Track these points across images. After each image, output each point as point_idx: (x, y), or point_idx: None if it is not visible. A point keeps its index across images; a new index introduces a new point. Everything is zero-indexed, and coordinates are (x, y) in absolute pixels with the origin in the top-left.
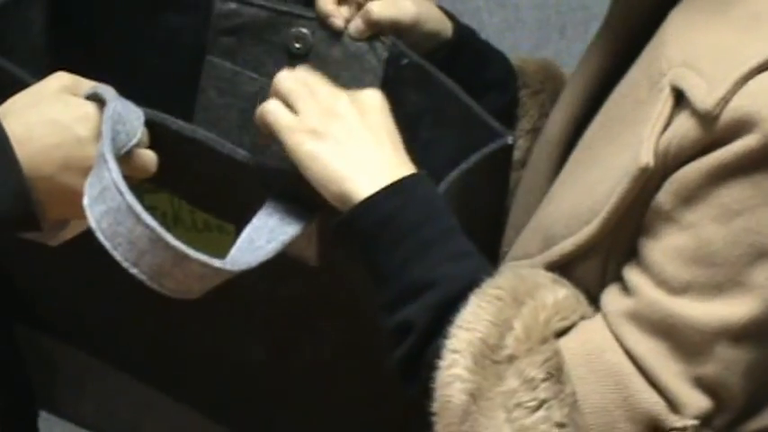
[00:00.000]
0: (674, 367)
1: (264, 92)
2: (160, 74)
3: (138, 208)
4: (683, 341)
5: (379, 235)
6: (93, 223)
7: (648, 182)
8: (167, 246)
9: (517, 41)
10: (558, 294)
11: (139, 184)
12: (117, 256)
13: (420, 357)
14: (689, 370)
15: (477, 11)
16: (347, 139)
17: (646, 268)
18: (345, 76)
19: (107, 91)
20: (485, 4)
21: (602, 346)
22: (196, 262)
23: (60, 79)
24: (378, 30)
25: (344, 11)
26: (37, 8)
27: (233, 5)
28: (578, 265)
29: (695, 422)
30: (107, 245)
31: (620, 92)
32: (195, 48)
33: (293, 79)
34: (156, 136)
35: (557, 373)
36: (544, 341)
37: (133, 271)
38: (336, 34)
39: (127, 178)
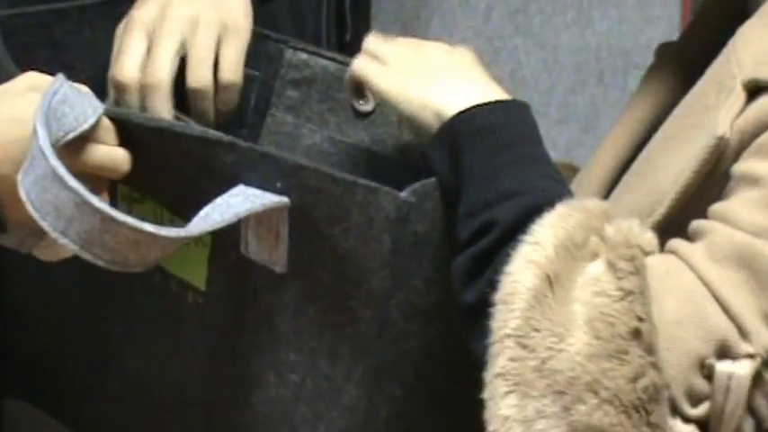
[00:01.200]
0: (746, 298)
1: (323, 146)
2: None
3: (62, 171)
4: (756, 272)
5: (478, 141)
6: (23, 195)
7: (722, 159)
8: (93, 209)
9: (554, 83)
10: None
11: (128, 194)
12: (45, 226)
13: (496, 254)
14: (759, 303)
15: (514, 50)
16: (438, 68)
17: (714, 217)
18: (406, 131)
19: (59, 77)
20: (522, 43)
21: (680, 268)
22: (124, 225)
23: (29, 79)
24: None
25: None
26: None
27: (304, 56)
28: None
29: (764, 353)
30: (35, 215)
31: (686, 103)
32: (260, 102)
33: (377, 39)
34: (126, 134)
35: (642, 272)
36: (630, 247)
37: (63, 241)
38: None
39: (102, 179)
